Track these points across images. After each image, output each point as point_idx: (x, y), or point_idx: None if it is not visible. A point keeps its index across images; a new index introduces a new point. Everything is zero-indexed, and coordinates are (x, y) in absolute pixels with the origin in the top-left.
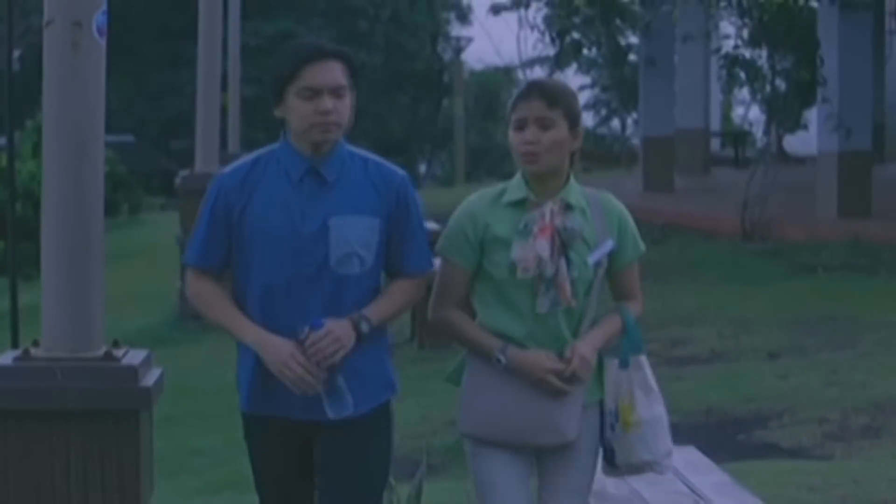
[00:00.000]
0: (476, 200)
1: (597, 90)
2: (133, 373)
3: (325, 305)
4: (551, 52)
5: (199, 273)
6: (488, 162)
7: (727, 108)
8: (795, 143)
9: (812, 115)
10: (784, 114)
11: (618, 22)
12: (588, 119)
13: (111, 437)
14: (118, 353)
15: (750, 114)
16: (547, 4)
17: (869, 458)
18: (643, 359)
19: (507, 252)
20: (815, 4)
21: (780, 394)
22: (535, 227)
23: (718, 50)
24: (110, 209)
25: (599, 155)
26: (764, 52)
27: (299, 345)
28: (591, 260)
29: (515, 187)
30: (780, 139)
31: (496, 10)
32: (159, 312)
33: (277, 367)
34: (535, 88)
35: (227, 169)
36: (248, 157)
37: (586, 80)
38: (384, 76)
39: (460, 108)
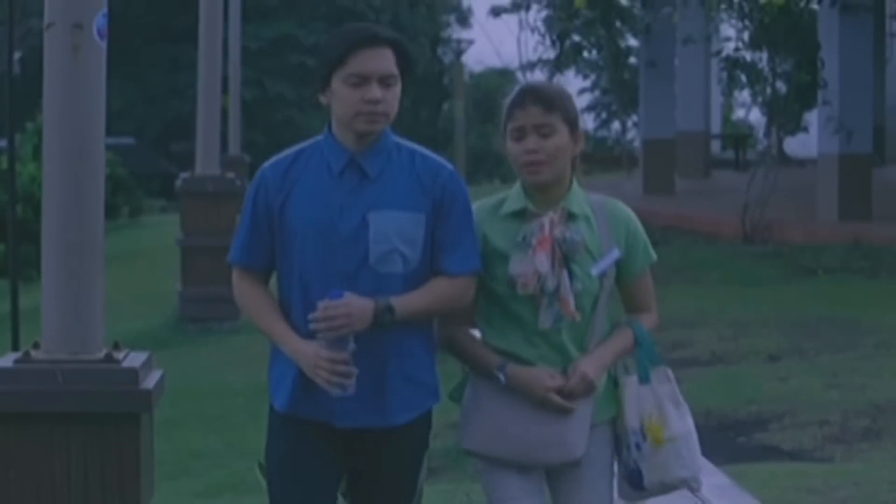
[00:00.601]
0: (475, 212)
1: (597, 93)
2: (133, 375)
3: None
4: (551, 54)
5: (242, 272)
6: (488, 164)
7: (728, 110)
8: (796, 145)
9: (812, 118)
10: (784, 116)
11: (618, 24)
12: (588, 121)
13: (112, 439)
14: (119, 355)
15: (750, 116)
16: (547, 7)
17: (869, 461)
18: (668, 371)
19: (507, 266)
20: (815, 7)
21: (781, 396)
22: (534, 239)
23: (719, 52)
24: (111, 211)
25: (600, 157)
26: (764, 55)
27: (321, 343)
28: (594, 271)
29: (515, 197)
30: (780, 141)
31: (496, 12)
32: (160, 315)
33: (310, 370)
34: (529, 94)
35: (270, 161)
36: (292, 149)
37: (586, 83)
38: None
39: (461, 110)
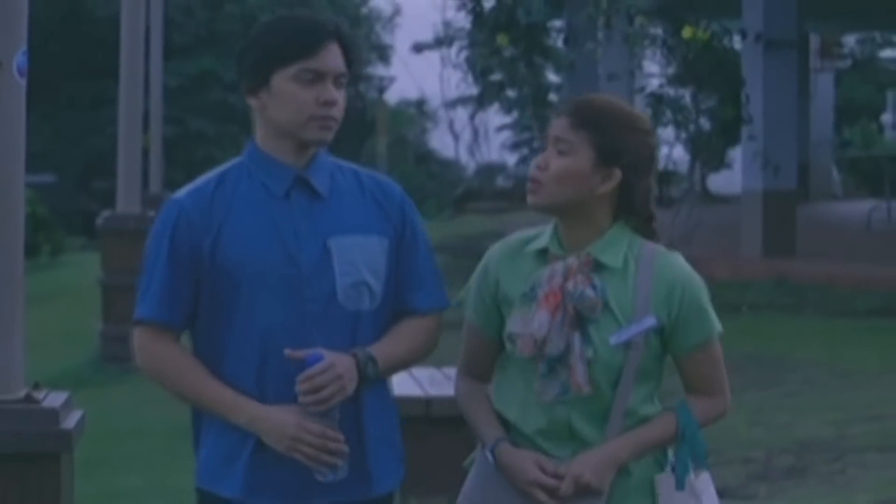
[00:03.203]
0: (495, 250)
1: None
2: (54, 415)
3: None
4: (474, 91)
5: (156, 332)
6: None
7: None
8: (719, 182)
9: (736, 155)
10: (708, 153)
11: (541, 61)
12: (511, 159)
13: (32, 480)
14: (39, 395)
15: (674, 153)
16: (470, 44)
17: (793, 499)
18: (706, 477)
19: None
20: (737, 47)
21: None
22: (540, 291)
23: (643, 89)
24: (31, 250)
25: (522, 195)
26: (688, 92)
27: (303, 410)
28: (613, 339)
29: (546, 232)
30: (704, 178)
31: (418, 48)
32: (81, 354)
33: (286, 444)
34: (568, 103)
35: (185, 191)
36: (209, 175)
37: (508, 118)
38: None
39: (383, 147)
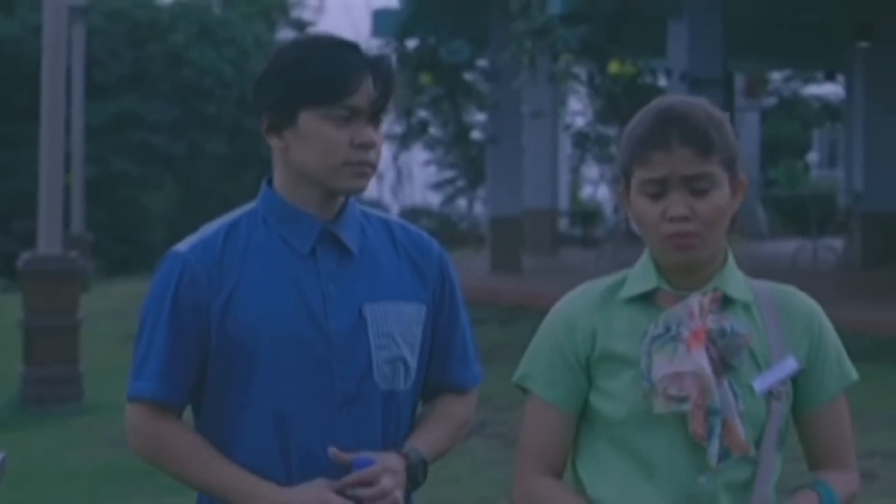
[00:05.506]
0: (575, 300)
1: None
2: None
3: (375, 444)
4: (398, 129)
5: (156, 411)
6: None
7: (575, 187)
8: None
9: None
10: None
11: (464, 100)
12: (435, 199)
13: None
14: None
15: (598, 192)
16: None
17: None
18: None
19: (632, 374)
20: (662, 84)
21: None
22: (685, 329)
23: (568, 127)
24: None
25: (446, 234)
26: (614, 129)
27: (328, 481)
28: (758, 385)
29: (640, 275)
30: (628, 218)
31: None
32: (1, 397)
33: None
34: (674, 127)
35: (188, 244)
36: (216, 225)
37: (432, 155)
38: (230, 157)
39: None
